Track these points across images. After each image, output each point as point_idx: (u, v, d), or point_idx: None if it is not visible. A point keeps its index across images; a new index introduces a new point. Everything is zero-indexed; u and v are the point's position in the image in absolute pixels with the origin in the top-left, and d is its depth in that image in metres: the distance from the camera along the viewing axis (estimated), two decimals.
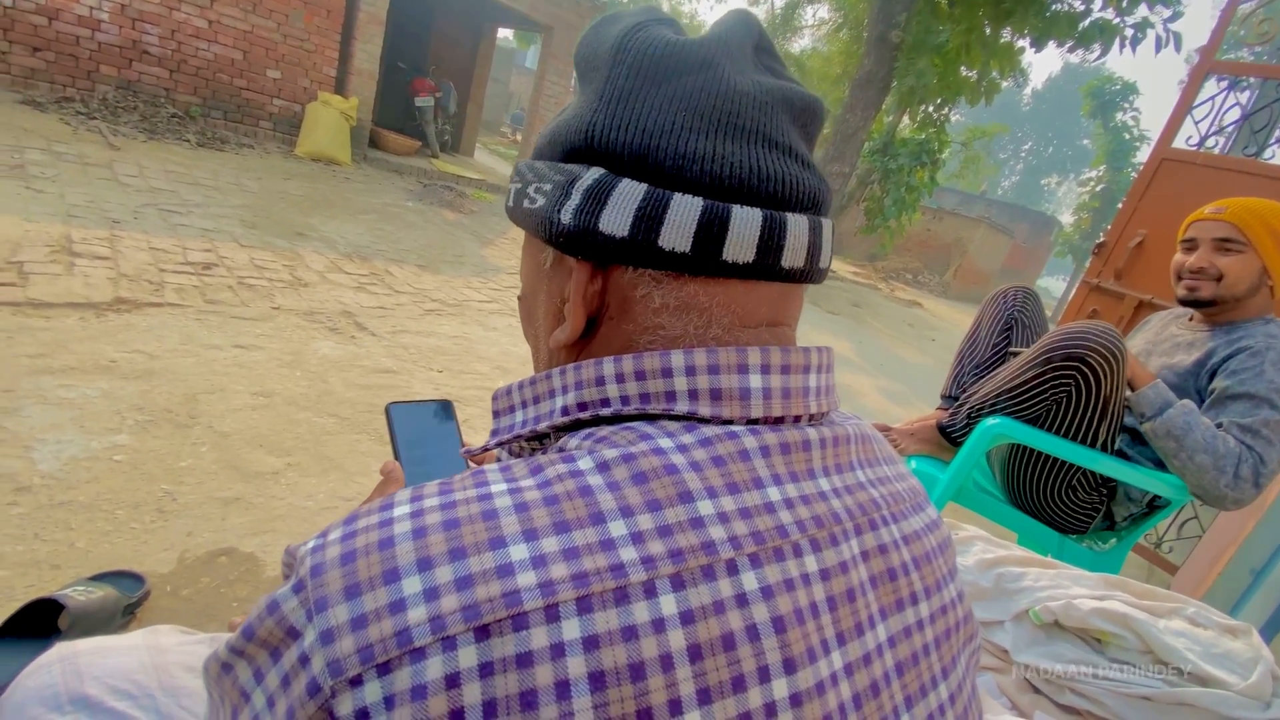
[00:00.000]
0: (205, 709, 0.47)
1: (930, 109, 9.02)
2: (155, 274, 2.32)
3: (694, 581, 0.27)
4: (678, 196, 0.32)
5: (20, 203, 2.53)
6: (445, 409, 0.63)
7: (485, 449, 0.39)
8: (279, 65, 5.40)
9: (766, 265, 0.34)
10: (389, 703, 0.23)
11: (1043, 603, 0.83)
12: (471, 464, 0.67)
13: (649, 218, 0.32)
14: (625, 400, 0.33)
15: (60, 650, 0.49)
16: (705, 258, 0.33)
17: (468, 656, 0.23)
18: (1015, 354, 1.48)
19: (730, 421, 0.33)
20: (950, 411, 1.45)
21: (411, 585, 0.25)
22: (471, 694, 0.23)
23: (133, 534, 1.22)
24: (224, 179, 3.93)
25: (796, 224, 0.34)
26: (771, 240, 0.34)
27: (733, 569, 0.28)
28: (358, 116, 5.73)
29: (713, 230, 0.32)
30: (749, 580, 0.28)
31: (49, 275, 2.06)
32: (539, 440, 0.37)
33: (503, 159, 11.08)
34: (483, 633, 0.24)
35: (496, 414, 0.40)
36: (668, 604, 0.26)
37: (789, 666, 0.27)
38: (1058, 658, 0.80)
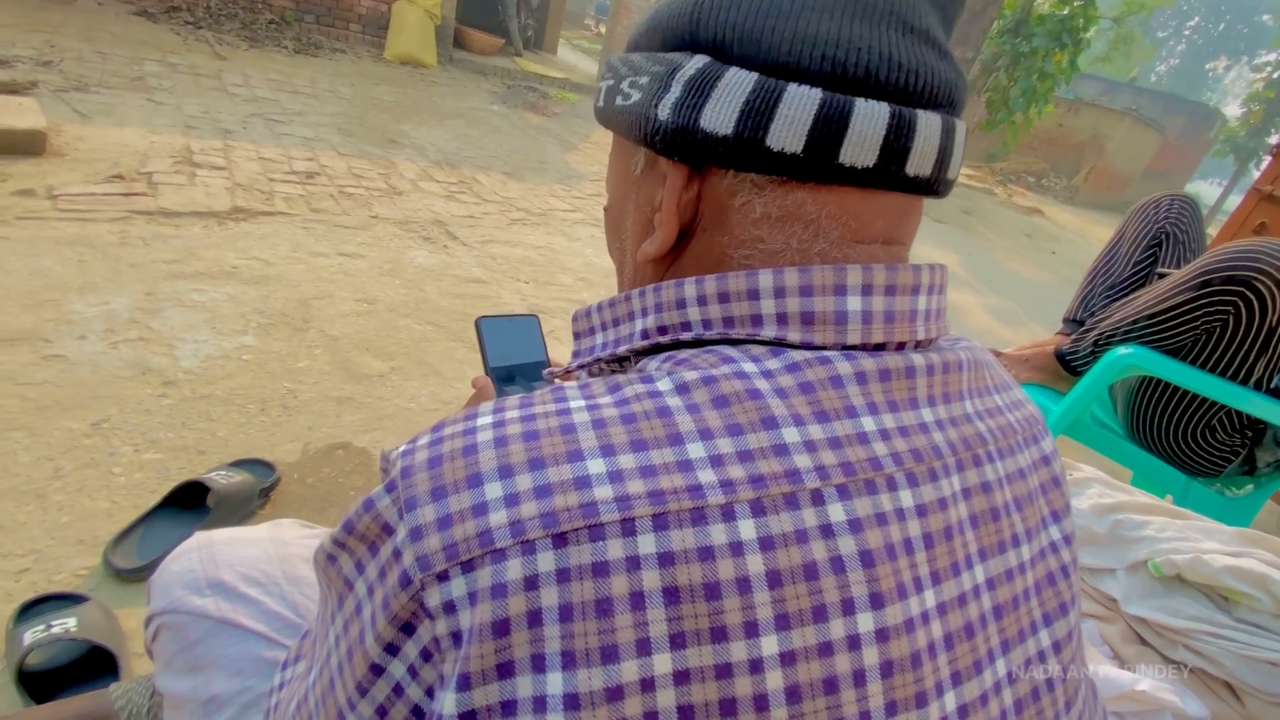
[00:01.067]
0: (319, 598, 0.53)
1: None
2: (265, 183, 2.44)
3: (775, 509, 0.26)
4: (792, 87, 0.29)
5: (144, 114, 2.70)
6: (532, 323, 0.63)
7: (567, 370, 0.39)
8: None
9: (889, 171, 0.30)
10: (472, 598, 0.24)
11: (1165, 554, 0.76)
12: (556, 382, 0.67)
13: (757, 112, 0.29)
14: (707, 324, 0.31)
15: (199, 539, 0.55)
16: (818, 160, 0.29)
17: (546, 561, 0.24)
18: (1163, 275, 1.30)
19: (823, 347, 0.30)
20: (1074, 337, 1.31)
21: (493, 490, 0.25)
22: (549, 596, 0.24)
23: (263, 426, 1.36)
24: (320, 86, 4.00)
25: (928, 124, 0.30)
26: (898, 142, 0.30)
27: (818, 499, 0.27)
28: (441, 14, 5.60)
29: (830, 127, 0.29)
30: (835, 511, 0.27)
31: (175, 185, 2.21)
32: (619, 363, 0.36)
33: (586, 54, 10.61)
34: (560, 540, 0.24)
35: (577, 335, 0.39)
36: (746, 529, 0.25)
37: (875, 601, 0.27)
38: (1175, 612, 0.75)
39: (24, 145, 2.06)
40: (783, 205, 0.31)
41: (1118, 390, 1.37)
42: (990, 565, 0.32)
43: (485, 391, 0.57)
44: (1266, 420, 1.13)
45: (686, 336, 0.32)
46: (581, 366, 0.37)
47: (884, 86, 0.29)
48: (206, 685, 0.49)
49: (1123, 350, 1.16)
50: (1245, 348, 1.07)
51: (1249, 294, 1.02)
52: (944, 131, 0.31)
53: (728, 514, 0.25)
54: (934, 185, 0.32)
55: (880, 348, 0.31)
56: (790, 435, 0.27)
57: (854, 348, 0.30)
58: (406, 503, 0.26)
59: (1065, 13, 8.08)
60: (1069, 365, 1.30)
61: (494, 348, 0.61)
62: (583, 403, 0.28)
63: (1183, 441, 1.22)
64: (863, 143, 0.29)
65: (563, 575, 0.24)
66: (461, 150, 3.64)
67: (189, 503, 1.09)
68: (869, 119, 0.29)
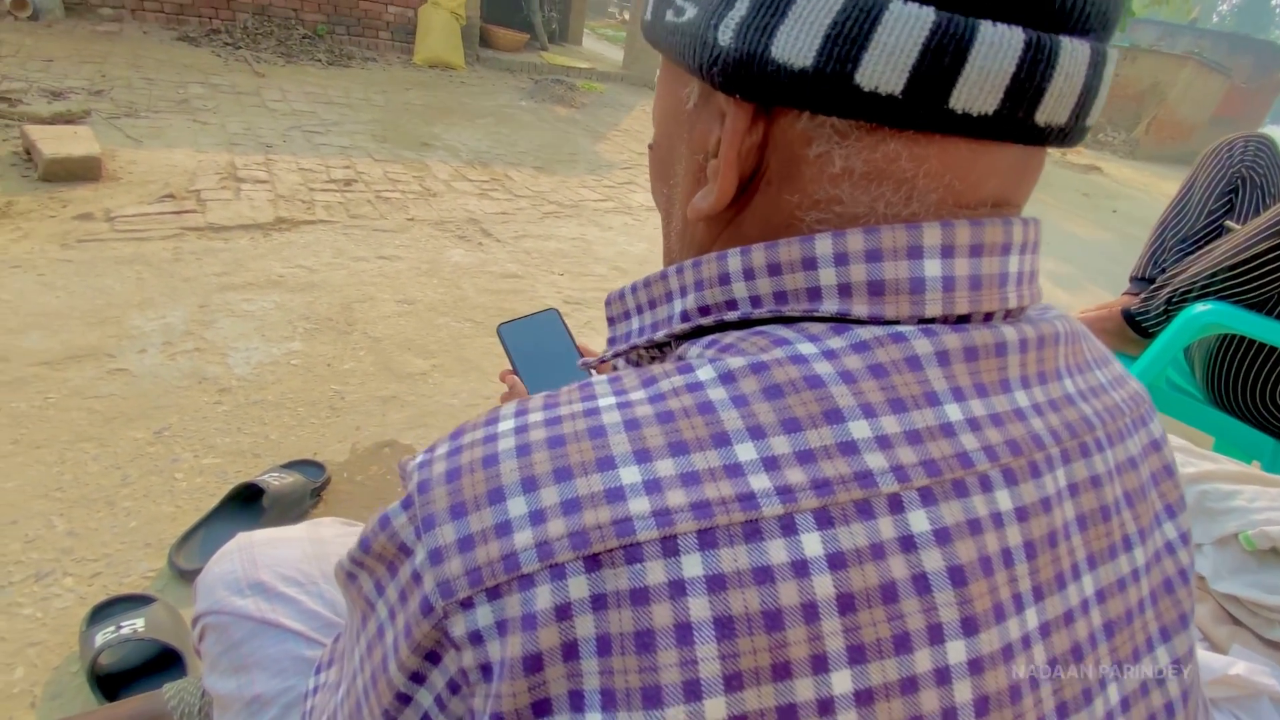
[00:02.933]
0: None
1: None
2: (306, 193, 2.51)
3: (844, 519, 0.22)
4: (895, 4, 0.22)
5: (190, 135, 2.81)
6: (552, 317, 0.62)
7: (603, 360, 0.35)
8: None
9: (1014, 119, 0.24)
10: (501, 628, 0.22)
11: (1258, 526, 0.69)
12: (592, 374, 0.66)
13: (846, 38, 0.23)
14: (756, 301, 0.27)
15: (239, 540, 0.56)
16: (922, 103, 0.23)
17: (578, 587, 0.21)
18: (1231, 229, 1.19)
19: (896, 322, 0.25)
20: (1143, 296, 1.22)
21: (516, 507, 0.22)
22: (584, 627, 0.21)
23: (313, 428, 1.40)
24: (354, 95, 4.09)
25: (1073, 55, 0.24)
26: (1031, 79, 0.23)
27: (896, 505, 0.22)
28: (466, 14, 5.64)
29: (942, 60, 0.22)
30: (918, 520, 0.22)
31: (222, 201, 2.29)
32: (659, 349, 0.32)
33: (611, 43, 10.55)
34: (593, 562, 0.21)
35: (611, 320, 0.35)
36: (810, 544, 0.21)
37: (969, 627, 0.22)
38: (1271, 589, 0.68)
39: (81, 172, 2.16)
40: (870, 159, 0.25)
41: (1194, 351, 1.27)
42: (1101, 574, 0.27)
43: (516, 390, 0.56)
44: None
45: (732, 316, 0.28)
46: (618, 355, 0.33)
47: (1018, 3, 0.22)
48: (250, 685, 0.50)
49: (1200, 307, 1.07)
50: None
51: None
52: (1091, 64, 0.24)
53: (787, 527, 0.21)
54: (1067, 134, 0.26)
55: (964, 320, 0.26)
56: (859, 430, 0.23)
57: (932, 321, 0.26)
58: (424, 521, 0.24)
59: None
60: (1139, 327, 1.21)
61: (518, 349, 0.61)
62: (613, 399, 0.25)
63: (1271, 402, 1.12)
64: (984, 81, 0.23)
65: (598, 602, 0.21)
66: (492, 148, 3.66)
67: (246, 504, 1.13)
68: (995, 49, 0.22)
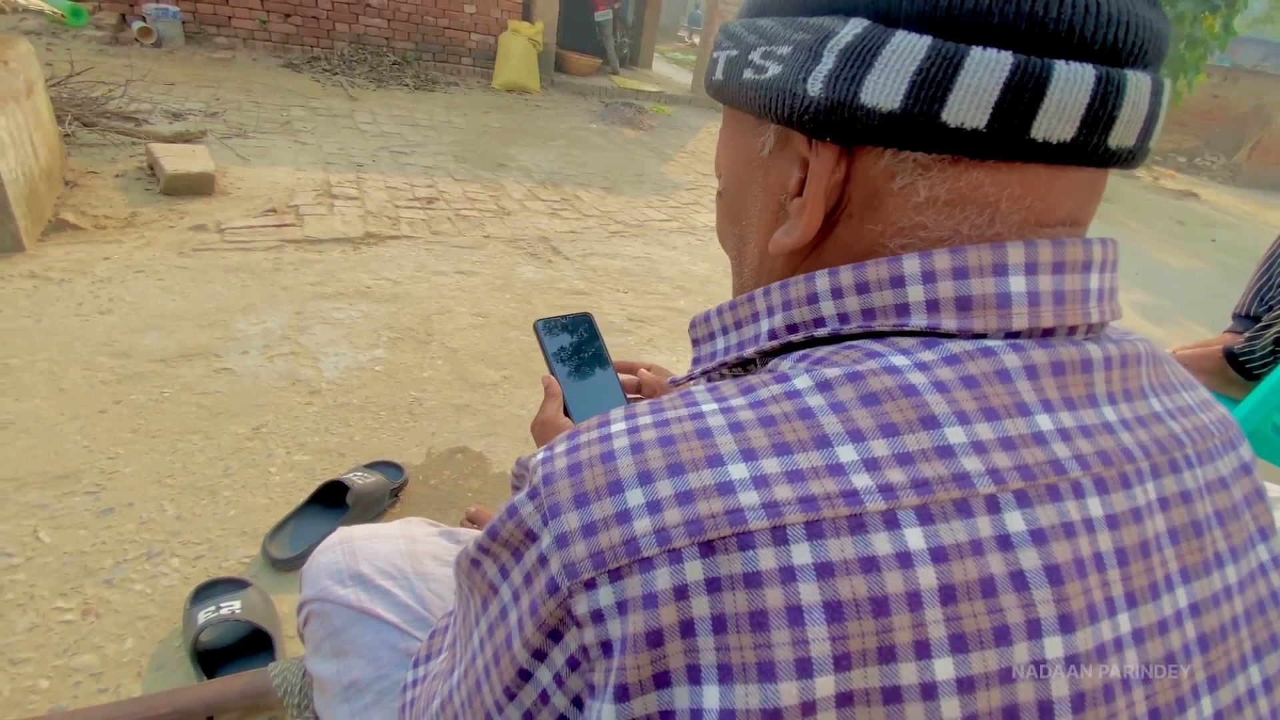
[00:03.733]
0: (453, 597, 0.56)
1: None
2: (392, 210, 2.66)
3: (945, 516, 0.23)
4: (976, 51, 0.25)
5: (291, 154, 3.03)
6: (586, 320, 0.66)
7: (690, 378, 0.37)
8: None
9: (1089, 145, 0.26)
10: (621, 607, 0.23)
11: None
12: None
13: (932, 82, 0.25)
14: (844, 318, 0.28)
15: (341, 534, 0.60)
16: (1005, 136, 0.25)
17: (694, 570, 0.23)
18: None
19: (983, 335, 0.27)
20: (1248, 335, 1.14)
21: (635, 497, 0.24)
22: (700, 606, 0.23)
23: (393, 431, 1.47)
24: (437, 118, 4.32)
25: (1137, 86, 0.26)
26: (1103, 110, 0.25)
27: (993, 506, 0.23)
28: (543, 40, 5.87)
29: (1022, 97, 0.25)
30: (1014, 520, 0.23)
31: (317, 215, 2.46)
32: (743, 368, 0.34)
33: (680, 66, 10.71)
34: (707, 548, 0.23)
35: (696, 342, 0.37)
36: (914, 537, 0.22)
37: (1065, 624, 0.23)
38: None
39: (198, 187, 2.37)
40: (954, 187, 0.27)
41: None
42: (1195, 588, 0.28)
43: (552, 390, 0.59)
44: None
45: (822, 333, 0.29)
46: (705, 373, 0.35)
47: (1089, 44, 0.25)
48: (348, 670, 0.53)
49: None
50: None
51: None
52: (1153, 94, 0.27)
53: (890, 521, 0.23)
54: (1134, 156, 0.28)
55: (1048, 334, 0.28)
56: (955, 435, 0.24)
57: (1019, 335, 0.27)
58: (550, 509, 0.26)
59: None
60: (1243, 368, 1.14)
61: (553, 347, 0.63)
62: (715, 405, 0.26)
63: None
64: (1062, 113, 0.25)
65: (713, 585, 0.23)
66: (563, 169, 3.78)
67: (332, 500, 1.20)
68: (1071, 85, 0.25)
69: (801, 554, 0.22)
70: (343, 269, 2.12)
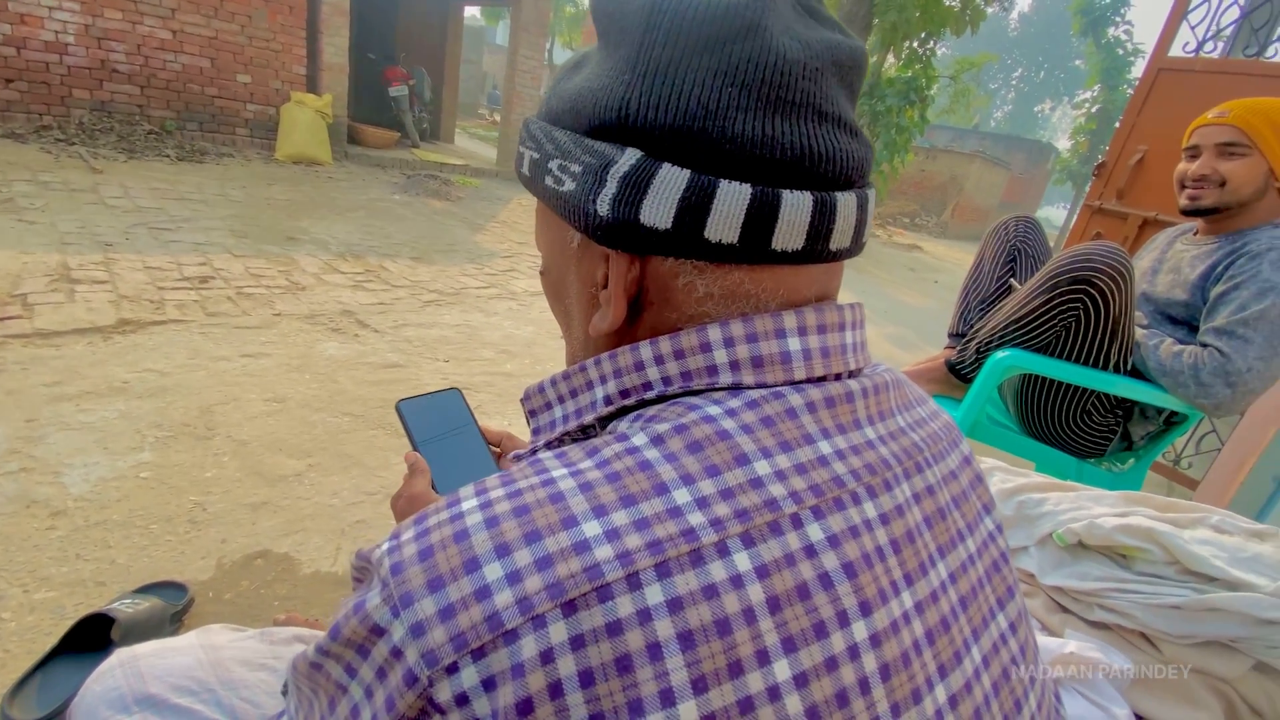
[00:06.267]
0: (271, 703, 0.49)
1: (915, 44, 8.77)
2: (154, 293, 2.32)
3: (763, 538, 0.27)
4: (724, 184, 0.30)
5: (14, 235, 2.53)
6: (454, 396, 0.64)
7: (533, 450, 0.38)
8: (248, 69, 5.31)
9: (815, 250, 0.33)
10: (488, 684, 0.24)
11: (1066, 525, 0.84)
12: (498, 453, 0.67)
13: (693, 208, 0.30)
14: (667, 381, 0.33)
15: (121, 655, 0.51)
16: (753, 247, 0.31)
17: (558, 632, 0.24)
18: (1015, 289, 1.47)
19: (774, 385, 0.32)
20: (958, 348, 1.44)
21: (493, 571, 0.25)
22: (566, 666, 0.24)
23: (169, 546, 1.25)
24: (209, 191, 3.90)
25: (846, 204, 0.33)
26: (822, 225, 0.32)
27: (797, 522, 0.28)
28: (333, 113, 5.65)
29: (762, 219, 0.31)
30: (814, 531, 0.29)
31: (52, 304, 2.07)
32: (583, 432, 0.37)
33: (484, 141, 10.93)
34: (569, 608, 0.24)
35: (533, 413, 0.39)
36: (742, 561, 0.26)
37: (865, 609, 0.28)
38: (1084, 576, 0.82)
39: None
40: (723, 285, 0.33)
41: (1005, 390, 1.51)
42: (949, 561, 0.34)
43: (418, 467, 0.57)
44: (1130, 397, 1.28)
45: (650, 395, 0.33)
46: (548, 445, 0.37)
47: (807, 175, 0.31)
48: None
49: (1001, 354, 1.29)
50: (1099, 337, 1.22)
51: (1091, 290, 1.18)
52: (859, 206, 0.34)
53: (722, 550, 0.26)
54: (852, 252, 0.35)
55: (821, 380, 0.34)
56: (762, 468, 0.29)
57: (800, 382, 0.33)
58: (401, 599, 0.26)
59: (909, 75, 9.21)
60: (959, 373, 1.43)
61: (419, 428, 0.62)
62: (565, 470, 0.29)
63: (1067, 427, 1.36)
64: (791, 229, 0.31)
65: (577, 642, 0.24)
66: (365, 240, 3.61)
67: (91, 642, 0.98)
68: (796, 208, 0.31)
69: (654, 594, 0.25)
70: (89, 364, 1.79)
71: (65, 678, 0.93)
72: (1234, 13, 2.37)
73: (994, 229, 1.62)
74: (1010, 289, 1.54)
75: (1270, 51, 2.39)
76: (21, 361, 1.73)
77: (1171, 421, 1.38)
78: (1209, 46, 2.38)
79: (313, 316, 2.45)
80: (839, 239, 0.33)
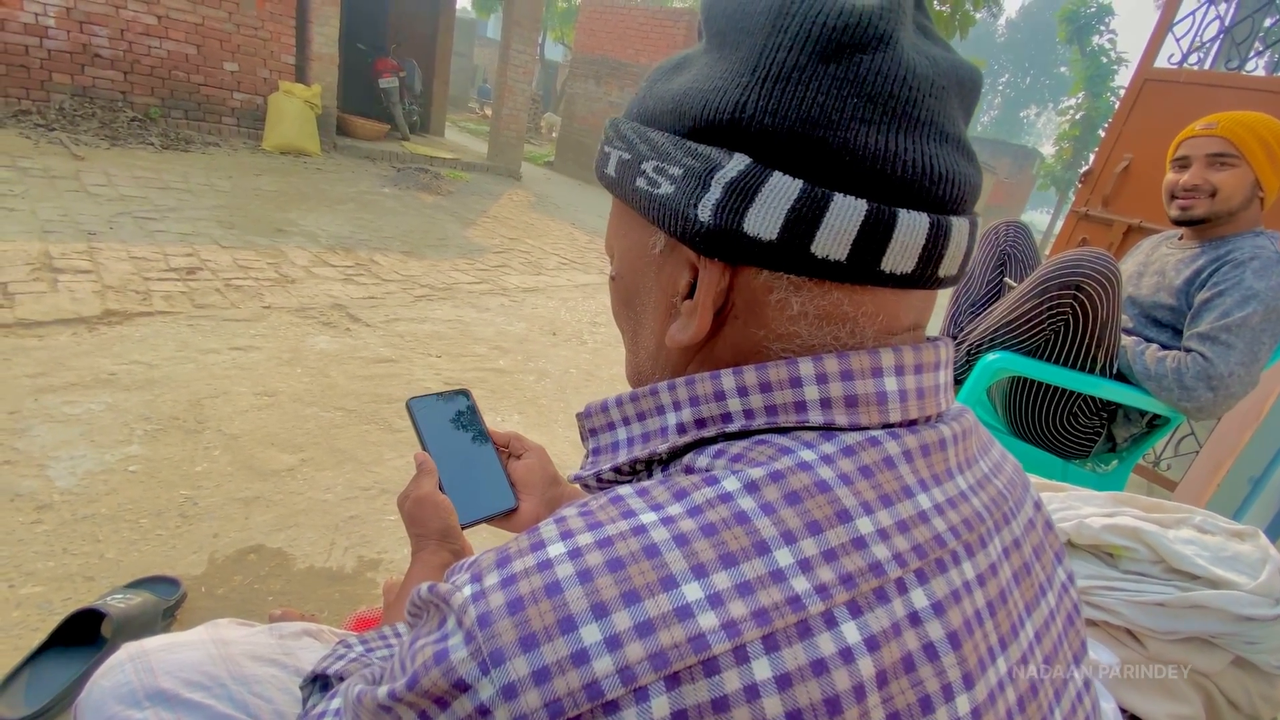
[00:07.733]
0: (283, 698, 0.49)
1: None
2: (140, 283, 2.29)
3: (869, 606, 0.26)
4: (839, 197, 0.29)
5: None
6: (464, 397, 0.65)
7: (598, 474, 0.36)
8: (235, 57, 5.22)
9: (924, 275, 0.31)
10: None
11: (1055, 524, 0.86)
12: (576, 486, 0.67)
13: (803, 220, 0.29)
14: (750, 414, 0.31)
15: (130, 650, 0.51)
16: (860, 267, 0.29)
17: (660, 706, 0.23)
18: (1011, 287, 1.50)
19: (868, 428, 0.31)
20: None
21: (590, 634, 0.24)
22: None
23: (160, 540, 1.24)
24: (194, 180, 3.84)
25: (959, 229, 0.31)
26: (935, 249, 0.30)
27: (902, 588, 0.27)
28: (322, 104, 5.58)
29: (875, 237, 0.29)
30: (919, 598, 0.27)
31: (34, 294, 2.03)
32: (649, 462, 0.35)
33: (474, 135, 10.85)
34: (673, 680, 0.23)
35: (593, 431, 0.37)
36: (850, 632, 0.25)
37: (968, 681, 0.27)
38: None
39: None
40: (820, 305, 0.31)
41: (994, 392, 1.54)
42: (1034, 619, 0.33)
43: (426, 468, 0.57)
44: (1115, 401, 1.31)
45: (732, 428, 0.31)
46: (615, 469, 0.35)
47: (925, 196, 0.30)
48: None
49: (990, 356, 1.31)
50: (1087, 341, 1.25)
51: (1080, 295, 1.20)
52: (970, 234, 0.32)
53: (829, 621, 0.25)
54: (957, 279, 0.33)
55: (913, 423, 0.32)
56: (865, 526, 0.27)
57: (893, 426, 0.31)
58: (492, 656, 0.24)
59: None
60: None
61: (428, 426, 0.61)
62: (654, 516, 0.27)
63: (1053, 429, 1.38)
64: (904, 251, 0.29)
65: (679, 717, 0.23)
66: (355, 233, 3.58)
67: (81, 636, 0.97)
68: (911, 229, 0.29)
69: (762, 669, 0.23)
70: (73, 355, 1.77)
71: (54, 673, 0.92)
72: (1215, 27, 2.43)
73: (984, 233, 1.64)
74: (1001, 292, 1.57)
75: (1250, 65, 2.45)
76: (2, 352, 1.70)
77: (1154, 424, 1.41)
78: (1192, 59, 2.43)
79: (303, 310, 2.42)
80: (948, 265, 0.31)
